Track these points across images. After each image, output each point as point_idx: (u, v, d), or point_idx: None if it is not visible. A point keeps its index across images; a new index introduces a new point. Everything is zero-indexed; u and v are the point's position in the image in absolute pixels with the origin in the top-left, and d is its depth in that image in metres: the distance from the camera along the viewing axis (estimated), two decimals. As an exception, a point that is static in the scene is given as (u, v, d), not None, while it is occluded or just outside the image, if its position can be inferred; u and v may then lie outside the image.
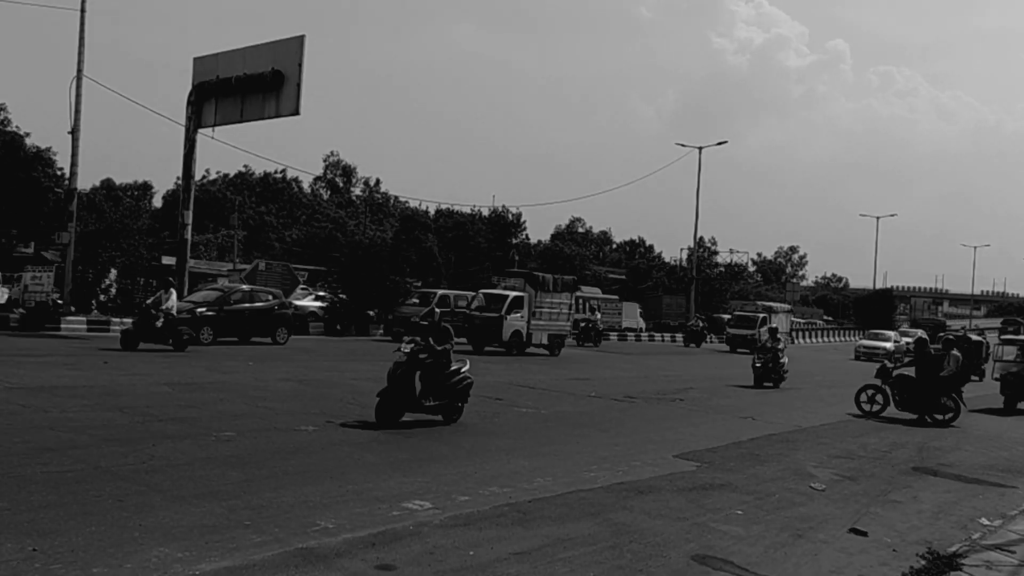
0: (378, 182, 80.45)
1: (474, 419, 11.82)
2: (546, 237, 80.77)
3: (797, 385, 22.64)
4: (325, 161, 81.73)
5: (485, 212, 66.97)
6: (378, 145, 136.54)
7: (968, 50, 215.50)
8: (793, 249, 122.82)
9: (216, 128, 27.94)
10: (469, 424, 11.33)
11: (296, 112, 25.43)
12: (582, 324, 35.08)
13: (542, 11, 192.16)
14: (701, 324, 43.84)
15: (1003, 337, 25.40)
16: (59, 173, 37.11)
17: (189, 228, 27.93)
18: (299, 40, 25.66)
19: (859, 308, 79.73)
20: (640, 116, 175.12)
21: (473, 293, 30.71)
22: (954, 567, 6.16)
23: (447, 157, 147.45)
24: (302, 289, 36.28)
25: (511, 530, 6.35)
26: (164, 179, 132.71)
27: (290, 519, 6.15)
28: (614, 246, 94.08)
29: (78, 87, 25.88)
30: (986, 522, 7.87)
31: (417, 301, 30.83)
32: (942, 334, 28.52)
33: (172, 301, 19.47)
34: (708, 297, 62.06)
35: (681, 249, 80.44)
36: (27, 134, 38.08)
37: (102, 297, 32.55)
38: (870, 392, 16.16)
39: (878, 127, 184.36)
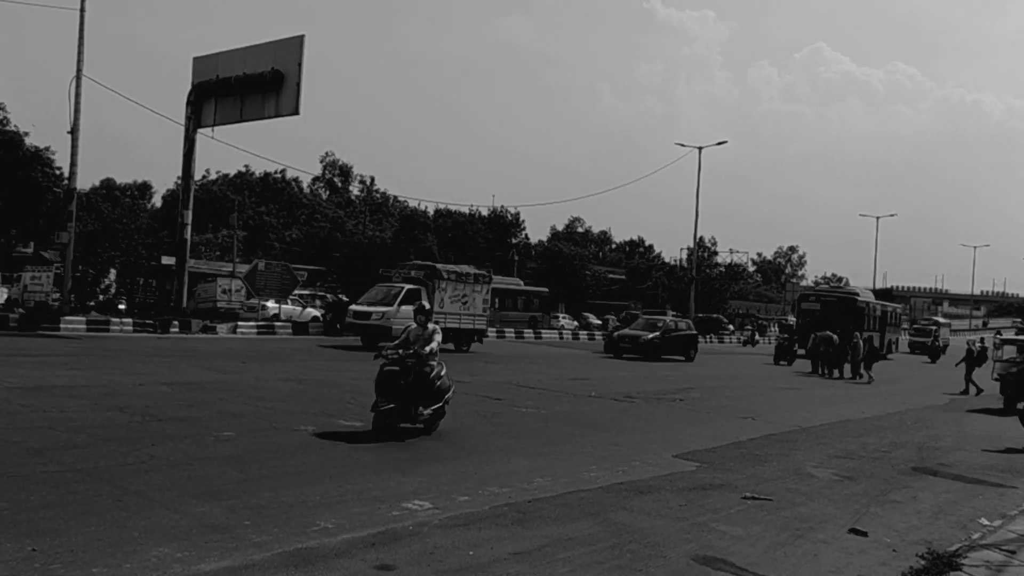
0: (373, 180, 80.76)
1: (474, 419, 11.81)
2: (545, 237, 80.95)
3: (797, 385, 22.69)
4: (322, 162, 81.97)
5: (484, 212, 67.09)
6: (377, 145, 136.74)
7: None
8: (792, 249, 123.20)
9: (216, 128, 28.04)
10: (469, 424, 11.31)
11: (296, 112, 25.48)
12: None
13: (543, 9, 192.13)
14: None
15: (1003, 337, 25.33)
16: (58, 173, 37.09)
17: (189, 228, 27.98)
18: (299, 40, 25.71)
19: (859, 308, 79.55)
20: (639, 115, 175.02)
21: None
22: (954, 567, 6.14)
23: (446, 156, 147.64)
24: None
25: (511, 530, 6.34)
26: (164, 179, 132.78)
27: (289, 519, 6.14)
28: (614, 246, 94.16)
29: (77, 86, 25.89)
30: (986, 522, 7.85)
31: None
32: None
33: None
34: (708, 297, 62.06)
35: (681, 249, 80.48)
36: (26, 133, 38.08)
37: (101, 297, 32.57)
38: None
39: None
